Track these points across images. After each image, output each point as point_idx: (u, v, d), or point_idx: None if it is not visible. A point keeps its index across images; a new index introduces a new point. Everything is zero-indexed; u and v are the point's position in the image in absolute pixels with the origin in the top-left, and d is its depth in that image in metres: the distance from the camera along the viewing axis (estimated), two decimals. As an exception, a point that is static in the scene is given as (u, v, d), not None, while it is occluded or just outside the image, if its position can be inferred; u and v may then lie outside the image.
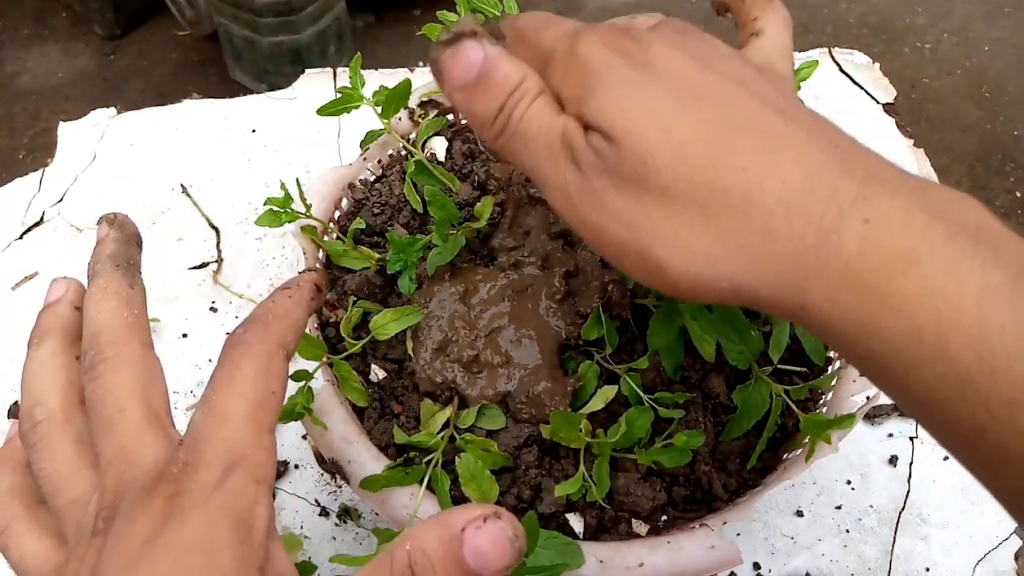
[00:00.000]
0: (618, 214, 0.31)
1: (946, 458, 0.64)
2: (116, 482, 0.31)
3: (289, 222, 0.56)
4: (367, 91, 0.58)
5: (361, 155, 0.63)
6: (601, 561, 0.45)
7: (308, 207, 0.57)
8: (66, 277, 0.39)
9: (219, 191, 0.80)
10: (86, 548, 0.30)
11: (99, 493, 0.31)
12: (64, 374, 0.35)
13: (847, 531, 0.61)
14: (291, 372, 0.49)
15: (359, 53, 0.61)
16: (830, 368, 0.55)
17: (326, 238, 0.59)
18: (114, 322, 0.34)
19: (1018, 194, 1.72)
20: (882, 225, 0.28)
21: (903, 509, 0.62)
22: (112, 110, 0.86)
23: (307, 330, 0.53)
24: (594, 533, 0.50)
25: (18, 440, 0.35)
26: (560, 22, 0.36)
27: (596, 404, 0.52)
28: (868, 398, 0.51)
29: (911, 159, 0.83)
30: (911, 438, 0.65)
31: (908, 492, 0.63)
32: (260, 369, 0.32)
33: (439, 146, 0.65)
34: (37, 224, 0.77)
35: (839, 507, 0.62)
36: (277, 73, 1.72)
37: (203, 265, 0.75)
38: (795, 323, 0.31)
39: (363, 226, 0.59)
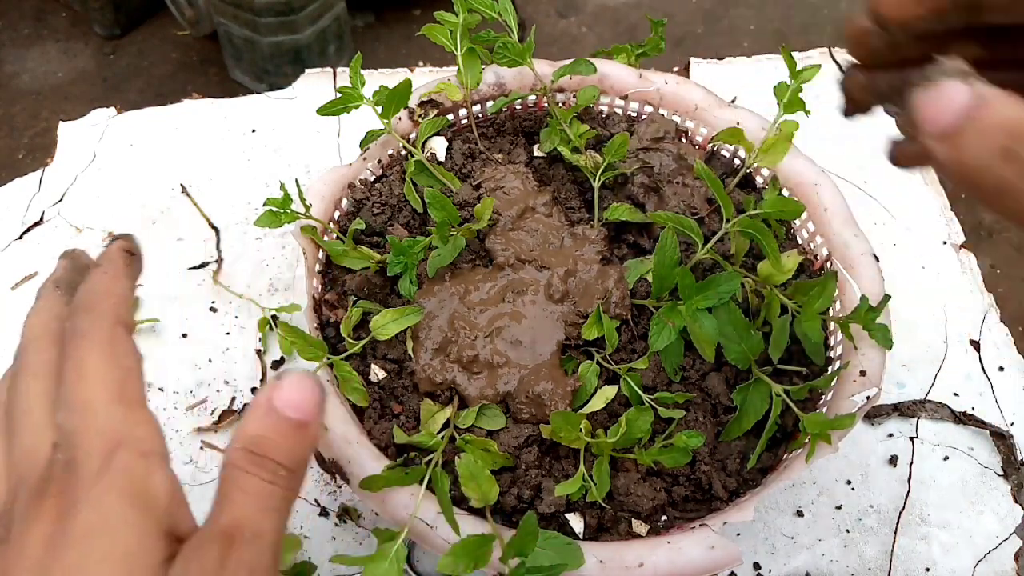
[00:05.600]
0: None
1: (946, 458, 0.64)
2: (15, 485, 0.31)
3: (288, 223, 0.56)
4: (367, 91, 0.58)
5: (361, 155, 0.63)
6: (601, 561, 0.45)
7: (308, 207, 0.57)
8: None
9: (219, 191, 0.80)
10: None
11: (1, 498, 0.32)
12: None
13: (847, 531, 0.61)
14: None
15: (359, 53, 0.61)
16: (830, 368, 0.56)
17: (326, 238, 0.59)
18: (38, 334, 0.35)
19: (1018, 194, 1.72)
20: None
21: (903, 509, 0.62)
22: (112, 110, 0.86)
23: (307, 330, 0.53)
24: (594, 533, 0.50)
25: None
26: None
27: (596, 404, 0.52)
28: (868, 398, 0.51)
29: (911, 159, 0.83)
30: (911, 438, 0.65)
31: (908, 492, 0.63)
32: (105, 353, 0.32)
33: (439, 146, 0.65)
34: (37, 224, 0.77)
35: (839, 507, 0.62)
36: (277, 73, 1.72)
37: (203, 265, 0.75)
38: None
39: (363, 226, 0.59)
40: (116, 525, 0.28)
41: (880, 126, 0.90)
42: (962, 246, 0.77)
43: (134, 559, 0.28)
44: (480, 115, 0.68)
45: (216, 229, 0.77)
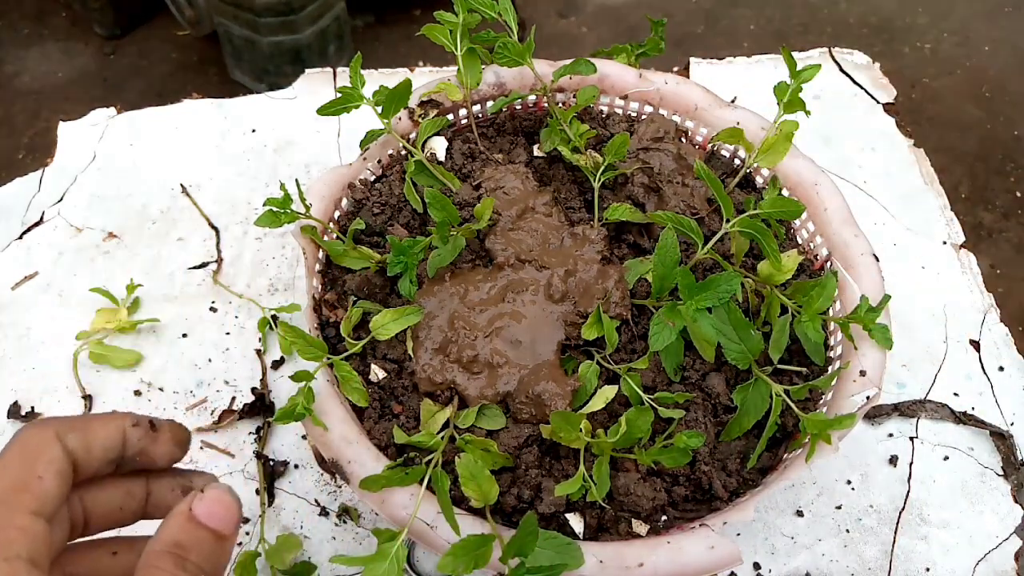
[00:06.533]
0: None
1: (946, 458, 0.64)
2: None
3: (288, 222, 0.56)
4: (367, 91, 0.58)
5: (361, 155, 0.63)
6: (601, 561, 0.45)
7: (308, 207, 0.57)
8: None
9: (219, 191, 0.80)
10: None
11: None
12: None
13: (847, 531, 0.61)
14: (292, 373, 0.49)
15: (359, 53, 0.61)
16: (830, 368, 0.55)
17: (326, 238, 0.59)
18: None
19: (1018, 194, 1.72)
20: None
21: (903, 509, 0.62)
22: (112, 110, 0.86)
23: (307, 330, 0.53)
24: (594, 533, 0.50)
25: None
26: None
27: (596, 404, 0.52)
28: (868, 398, 0.51)
29: (911, 159, 0.83)
30: (911, 438, 0.65)
31: (908, 492, 0.63)
32: (28, 455, 0.33)
33: (439, 146, 0.65)
34: (37, 224, 0.77)
35: (839, 507, 0.62)
36: (277, 73, 1.72)
37: (203, 265, 0.75)
38: None
39: (363, 226, 0.59)
40: None
41: (880, 126, 0.91)
42: (962, 246, 0.77)
43: None
44: (480, 115, 0.68)
45: (216, 229, 0.77)
